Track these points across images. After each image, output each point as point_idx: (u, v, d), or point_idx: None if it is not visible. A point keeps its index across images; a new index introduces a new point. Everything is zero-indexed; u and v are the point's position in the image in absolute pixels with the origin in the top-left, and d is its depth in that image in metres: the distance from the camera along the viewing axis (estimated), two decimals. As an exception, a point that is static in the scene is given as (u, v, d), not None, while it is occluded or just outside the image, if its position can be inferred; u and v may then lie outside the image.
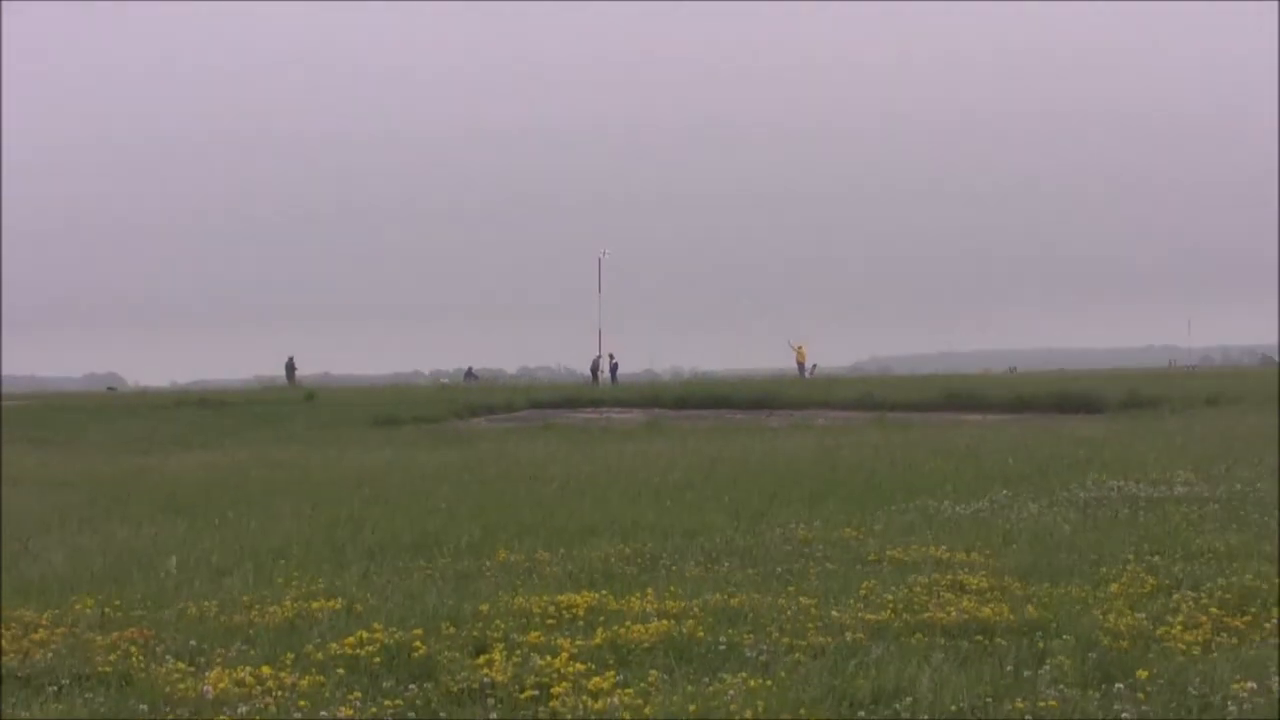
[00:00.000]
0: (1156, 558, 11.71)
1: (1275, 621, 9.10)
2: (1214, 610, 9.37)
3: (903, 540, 13.25)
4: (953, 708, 7.32)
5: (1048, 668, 7.95)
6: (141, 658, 8.68)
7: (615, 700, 7.47)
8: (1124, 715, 7.11)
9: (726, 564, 12.24)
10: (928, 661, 8.11)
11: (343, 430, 40.91)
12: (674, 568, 12.08)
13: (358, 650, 8.61)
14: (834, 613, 9.60)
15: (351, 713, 7.47)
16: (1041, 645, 8.51)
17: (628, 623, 9.22)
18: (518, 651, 8.50)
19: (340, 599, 10.54)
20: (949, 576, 10.96)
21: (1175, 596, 9.93)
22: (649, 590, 10.63)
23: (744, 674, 7.90)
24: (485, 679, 7.90)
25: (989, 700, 7.41)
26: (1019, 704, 7.31)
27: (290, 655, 8.56)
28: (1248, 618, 9.23)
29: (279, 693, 7.78)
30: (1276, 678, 7.51)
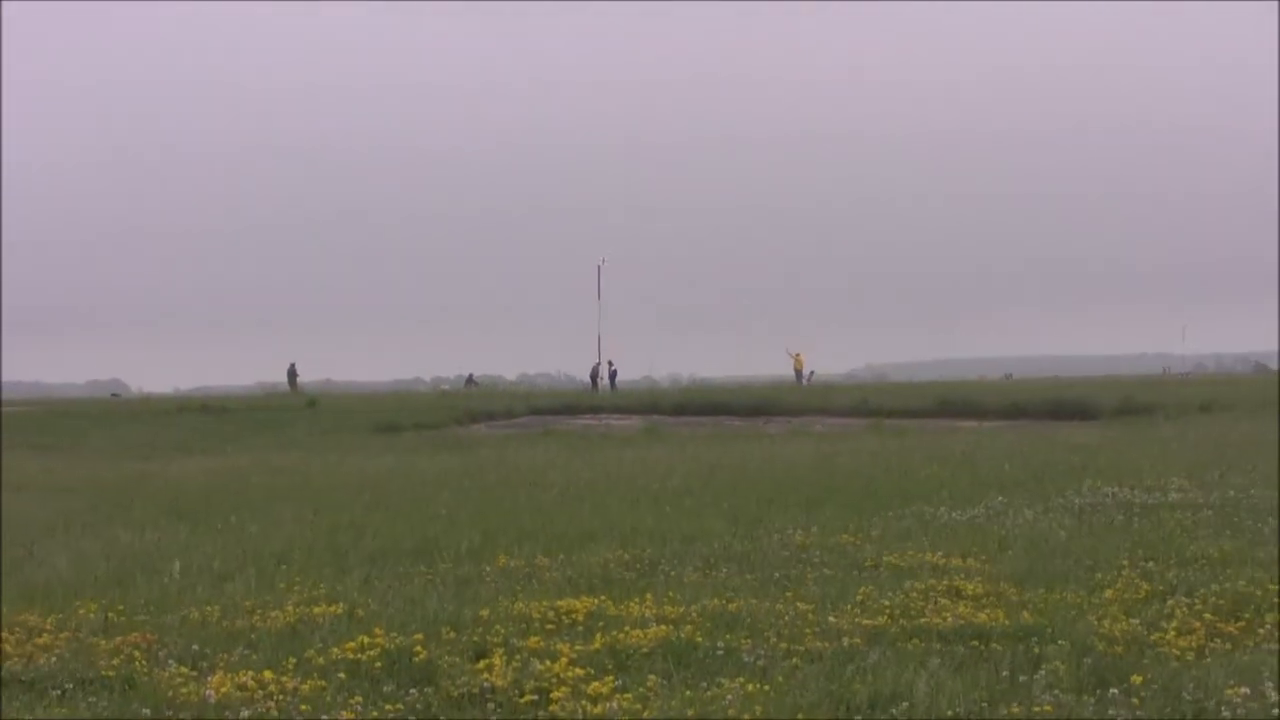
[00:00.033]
0: (1151, 564, 11.71)
1: (1269, 627, 9.10)
2: (1208, 616, 9.37)
3: (899, 546, 13.24)
4: (949, 712, 7.32)
5: (1043, 673, 7.94)
6: (144, 662, 8.68)
7: (614, 705, 7.47)
8: (1118, 720, 7.11)
9: (725, 569, 12.24)
10: (924, 666, 8.11)
11: (344, 436, 40.89)
12: (672, 573, 12.07)
13: (359, 655, 8.61)
14: (831, 618, 9.60)
15: (352, 717, 7.47)
16: (1037, 650, 8.51)
17: (626, 628, 9.22)
18: (517, 656, 8.50)
19: (341, 604, 10.54)
20: (945, 582, 10.96)
21: (1169, 602, 9.92)
22: (648, 596, 10.63)
23: (742, 679, 7.90)
24: (485, 683, 7.90)
25: (985, 705, 7.41)
26: (1014, 709, 7.31)
27: (292, 660, 8.56)
28: (1241, 623, 9.23)
29: (281, 697, 7.78)
30: (1270, 683, 7.51)
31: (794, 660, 8.40)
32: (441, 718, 7.58)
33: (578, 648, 8.69)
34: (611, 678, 7.95)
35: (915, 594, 10.46)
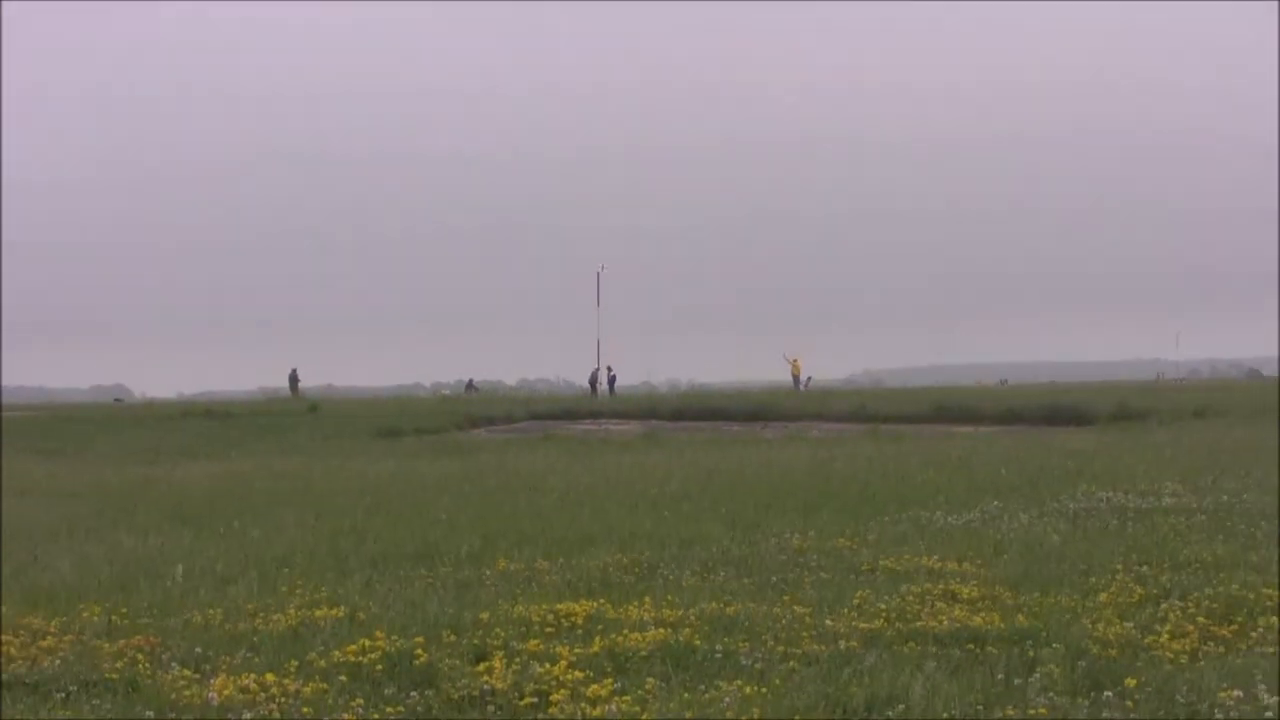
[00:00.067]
0: (1145, 568, 11.71)
1: (1261, 630, 9.10)
2: (1201, 619, 9.38)
3: (895, 550, 13.24)
4: (945, 715, 7.32)
5: (1038, 676, 7.95)
6: (148, 665, 8.67)
7: (613, 707, 7.47)
8: (1113, 722, 7.11)
9: (722, 573, 12.24)
10: (920, 669, 8.11)
11: (345, 441, 40.89)
12: (671, 577, 12.07)
13: (360, 658, 8.60)
14: (828, 621, 9.60)
15: (354, 719, 7.47)
16: (1032, 654, 8.51)
17: (625, 631, 9.22)
18: (517, 659, 8.50)
19: (343, 607, 10.53)
20: (941, 586, 10.96)
21: (1163, 606, 9.93)
22: (646, 599, 10.64)
23: (740, 682, 7.90)
24: (485, 686, 7.90)
25: (980, 707, 7.42)
26: (1010, 711, 7.31)
27: (294, 662, 8.56)
28: (1234, 627, 9.24)
29: (283, 699, 7.78)
30: (1263, 685, 7.51)
31: (791, 663, 8.41)
32: (442, 720, 7.58)
33: (577, 651, 8.69)
34: (610, 680, 7.95)
35: (911, 598, 10.46)
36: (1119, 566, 11.76)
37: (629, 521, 16.35)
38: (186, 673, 8.42)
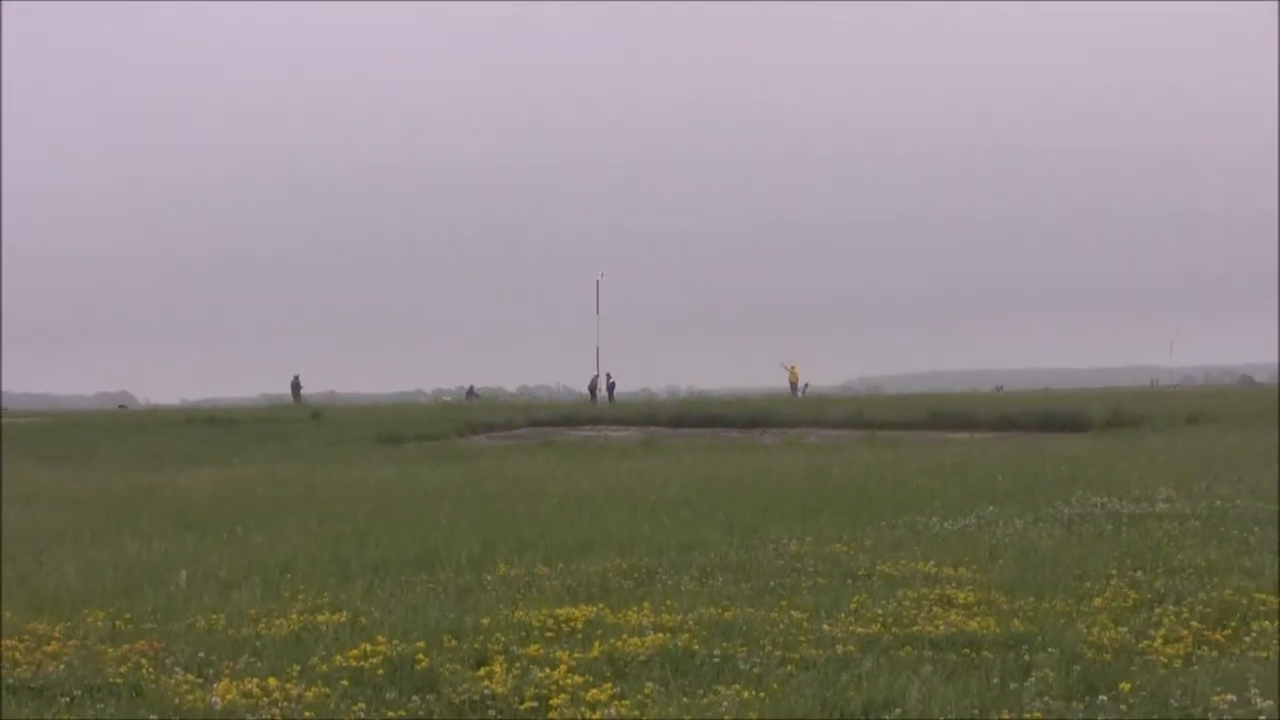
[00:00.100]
0: (1139, 573, 11.70)
1: (1255, 635, 9.09)
2: (1195, 624, 9.38)
3: (892, 555, 13.24)
4: (941, 719, 7.32)
5: (1033, 680, 7.94)
6: (151, 669, 8.67)
7: (612, 711, 7.46)
8: (1107, 726, 7.11)
9: (721, 579, 12.23)
10: (917, 674, 8.11)
11: (347, 447, 40.88)
12: (670, 582, 12.06)
13: (362, 662, 8.60)
14: (825, 626, 9.59)
15: (356, 723, 7.46)
16: (1027, 658, 8.50)
17: (625, 636, 9.21)
18: (517, 664, 8.49)
19: (345, 612, 10.53)
20: (937, 591, 10.96)
21: (1157, 611, 9.92)
22: (645, 604, 10.63)
23: (738, 686, 7.89)
24: (486, 690, 7.90)
25: (976, 711, 7.41)
26: (1005, 715, 7.31)
27: (296, 667, 8.55)
28: (1228, 631, 9.24)
29: (285, 704, 7.77)
30: (1256, 689, 7.50)
31: (789, 668, 8.40)
32: (443, 724, 7.57)
33: (577, 655, 8.69)
34: (610, 685, 7.94)
35: (908, 602, 10.45)
36: (1113, 571, 11.76)
37: (628, 527, 16.34)
38: (190, 677, 8.41)
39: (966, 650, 8.75)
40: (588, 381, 71.54)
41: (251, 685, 8.05)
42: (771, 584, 11.75)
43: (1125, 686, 7.67)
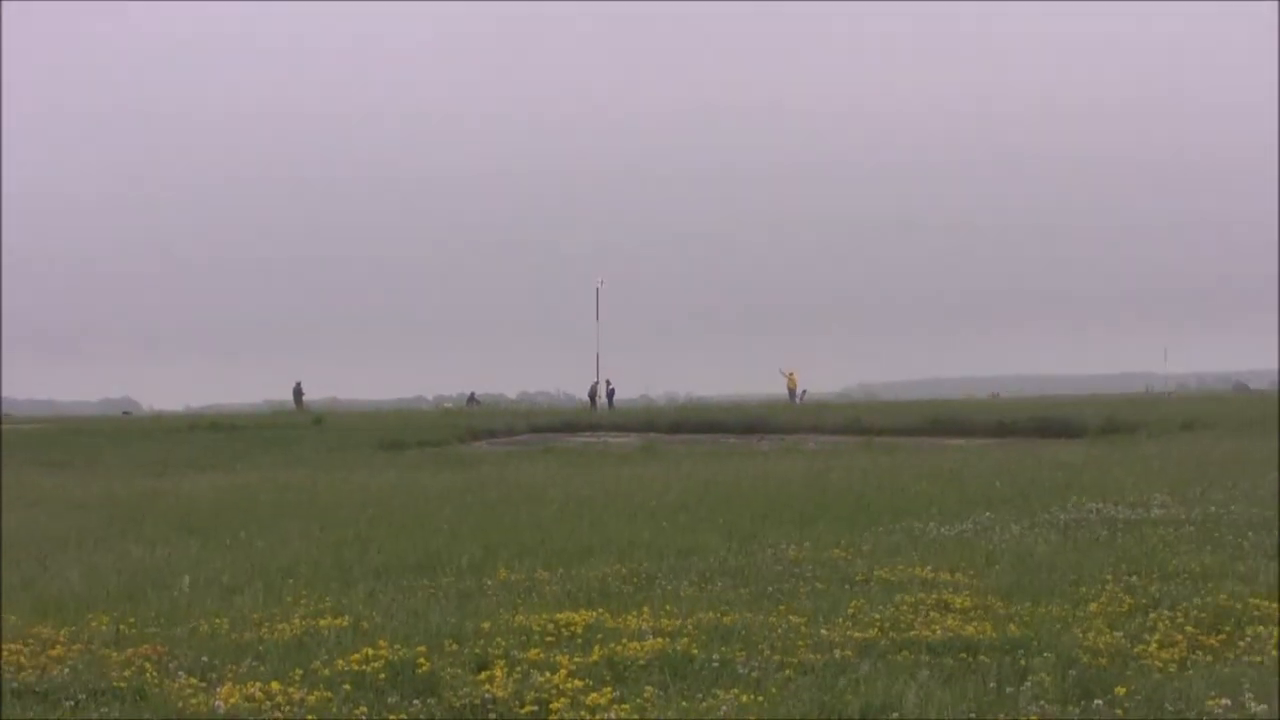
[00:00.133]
0: (1134, 578, 11.70)
1: (1249, 640, 9.09)
2: (1189, 629, 9.38)
3: (889, 561, 13.24)
4: (938, 723, 7.32)
5: (1029, 684, 7.95)
6: (155, 673, 8.67)
7: (612, 716, 7.46)
8: (1103, 730, 7.11)
9: (720, 583, 12.23)
10: (914, 678, 8.11)
11: (349, 453, 40.87)
12: (669, 587, 12.06)
13: (364, 666, 8.60)
14: (823, 631, 9.60)
15: (357, 727, 7.46)
16: (1023, 662, 8.50)
17: (624, 640, 9.21)
18: (518, 668, 8.49)
19: (347, 617, 10.53)
20: (934, 596, 10.96)
21: (1152, 615, 9.92)
22: (645, 609, 10.63)
23: (736, 690, 7.89)
24: (487, 695, 7.90)
25: (973, 715, 7.42)
26: (1001, 719, 7.31)
27: (298, 671, 8.55)
28: (1222, 636, 9.24)
29: (288, 708, 7.77)
30: (1250, 694, 7.51)
31: (787, 672, 8.40)
32: (444, 728, 7.57)
33: (577, 660, 8.69)
34: (610, 689, 7.94)
35: (905, 607, 10.45)
36: (1109, 577, 11.76)
37: (627, 532, 16.35)
38: (193, 681, 8.41)
39: (963, 655, 8.75)
40: (588, 388, 71.55)
41: (254, 689, 8.05)
42: (770, 589, 11.75)
43: (1121, 691, 7.68)
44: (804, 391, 72.52)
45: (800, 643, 9.21)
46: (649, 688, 8.01)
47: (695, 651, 8.90)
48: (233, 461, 38.08)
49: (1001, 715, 7.37)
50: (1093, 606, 10.37)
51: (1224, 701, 7.41)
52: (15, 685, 8.44)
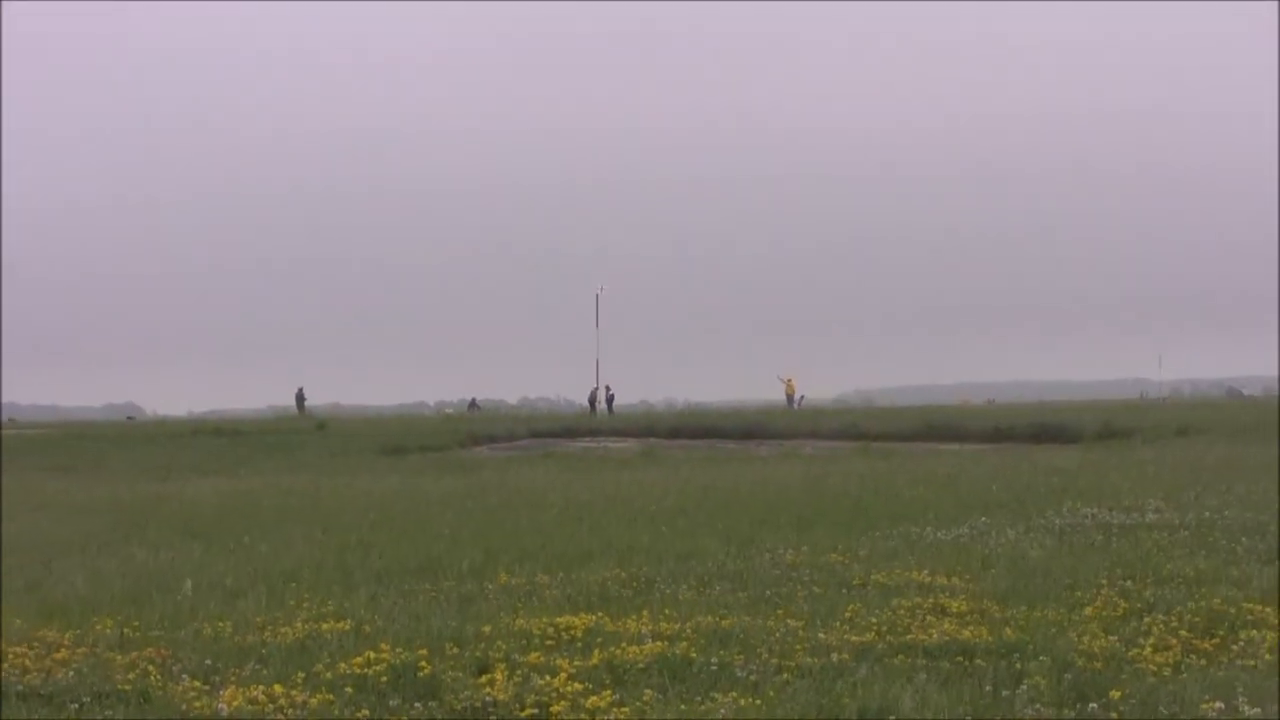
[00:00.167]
0: (1129, 582, 11.70)
1: (1243, 644, 9.09)
2: (1184, 633, 9.38)
3: (886, 565, 13.23)
4: (934, 726, 7.31)
5: (1025, 688, 7.94)
6: (159, 676, 8.67)
7: (612, 718, 7.46)
8: (1098, 733, 7.11)
9: (718, 587, 12.23)
10: (910, 681, 8.11)
11: (352, 459, 40.88)
12: (668, 591, 12.06)
13: (366, 670, 8.60)
14: (821, 635, 9.59)
15: (359, 730, 7.45)
16: (1019, 666, 8.50)
17: (624, 644, 9.21)
18: (519, 671, 8.49)
19: (349, 620, 10.53)
20: (931, 600, 10.96)
21: (1147, 620, 9.92)
22: (644, 613, 10.63)
23: (735, 693, 7.89)
24: (487, 698, 7.90)
25: (969, 719, 7.41)
26: (997, 722, 7.31)
27: (301, 674, 8.55)
28: (1216, 640, 9.23)
29: (290, 710, 7.77)
30: (1244, 697, 7.51)
31: (785, 675, 8.40)
32: (445, 731, 7.57)
33: (576, 663, 8.68)
34: (609, 692, 7.94)
35: (902, 611, 10.45)
36: (1104, 581, 11.75)
37: (627, 537, 16.34)
38: (196, 684, 8.41)
39: (959, 658, 8.75)
40: (587, 394, 71.58)
41: (257, 692, 8.05)
42: (768, 593, 11.74)
43: (1115, 694, 7.67)
44: (802, 397, 72.52)
45: (798, 646, 9.21)
46: (648, 691, 8.01)
47: (694, 655, 8.90)
48: (236, 466, 38.08)
49: (997, 718, 7.37)
50: (1088, 611, 10.37)
51: (1218, 705, 7.41)
52: (20, 688, 8.45)
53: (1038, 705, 7.60)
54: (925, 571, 12.62)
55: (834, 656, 8.87)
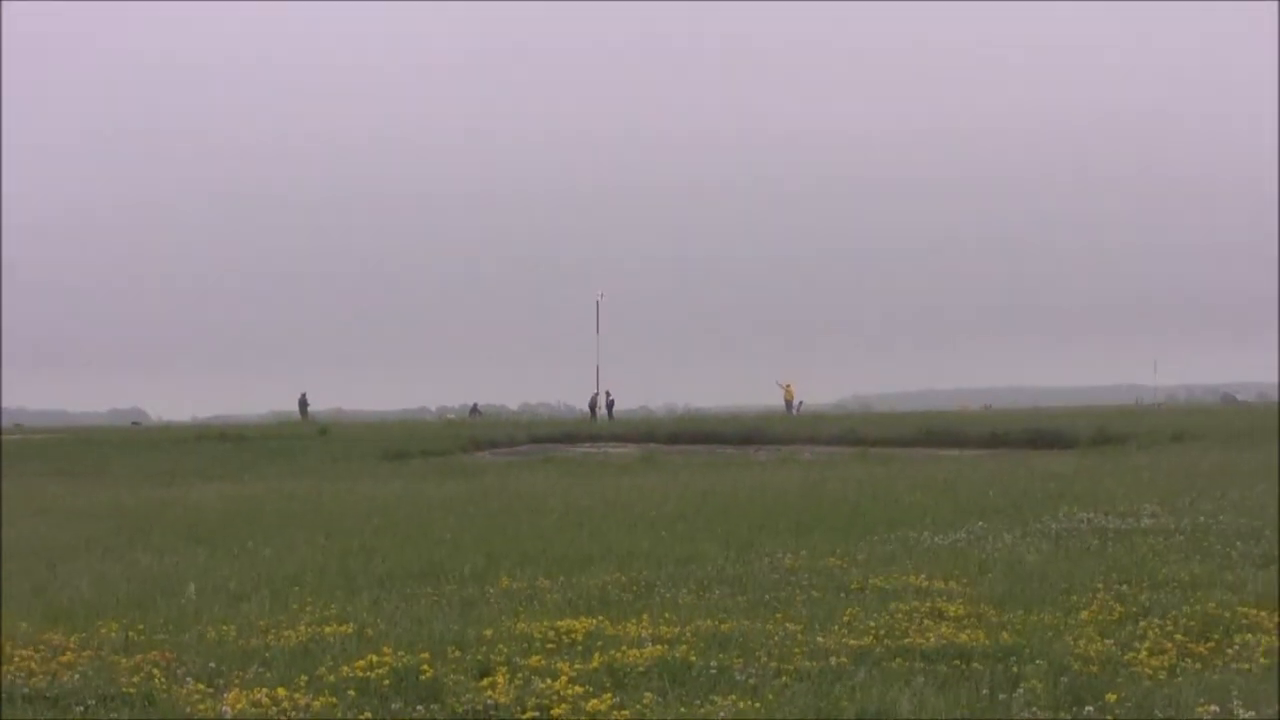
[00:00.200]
0: (1124, 587, 11.70)
1: (1237, 647, 9.10)
2: (1179, 637, 9.38)
3: (884, 569, 13.23)
4: (932, 729, 7.31)
5: (1021, 691, 7.95)
6: (163, 679, 8.67)
7: (612, 721, 7.46)
8: (1094, 736, 7.11)
9: (717, 591, 12.23)
10: (908, 685, 8.11)
11: (354, 464, 40.87)
12: (668, 595, 12.06)
13: (368, 673, 8.60)
14: (819, 638, 9.59)
15: (362, 732, 7.45)
16: (1015, 669, 8.51)
17: (624, 647, 9.21)
18: (520, 674, 8.50)
19: (352, 624, 10.53)
20: (928, 604, 10.96)
21: (1142, 624, 9.92)
22: (644, 616, 10.63)
23: (734, 696, 7.90)
24: (489, 701, 7.90)
25: (966, 721, 7.41)
26: (994, 725, 7.31)
27: (304, 677, 8.55)
28: (1211, 644, 9.24)
29: (293, 713, 7.78)
30: (1238, 701, 7.51)
31: (784, 679, 8.40)
32: (447, 733, 7.57)
33: (577, 666, 8.69)
34: (610, 695, 7.94)
35: (900, 615, 10.46)
36: (1099, 585, 11.76)
37: (627, 541, 16.34)
38: (201, 687, 8.42)
39: (957, 662, 8.75)
40: (588, 399, 71.60)
41: (261, 695, 8.05)
42: (767, 597, 11.75)
43: (1111, 697, 7.68)
44: (800, 403, 72.47)
45: (796, 650, 9.21)
46: (648, 694, 8.01)
47: (694, 658, 8.90)
48: (239, 471, 38.07)
49: (994, 721, 7.37)
50: (1084, 614, 10.37)
51: (1213, 708, 7.41)
52: (26, 691, 8.45)
53: (1034, 708, 7.60)
54: (923, 576, 12.62)
55: (832, 660, 8.87)
